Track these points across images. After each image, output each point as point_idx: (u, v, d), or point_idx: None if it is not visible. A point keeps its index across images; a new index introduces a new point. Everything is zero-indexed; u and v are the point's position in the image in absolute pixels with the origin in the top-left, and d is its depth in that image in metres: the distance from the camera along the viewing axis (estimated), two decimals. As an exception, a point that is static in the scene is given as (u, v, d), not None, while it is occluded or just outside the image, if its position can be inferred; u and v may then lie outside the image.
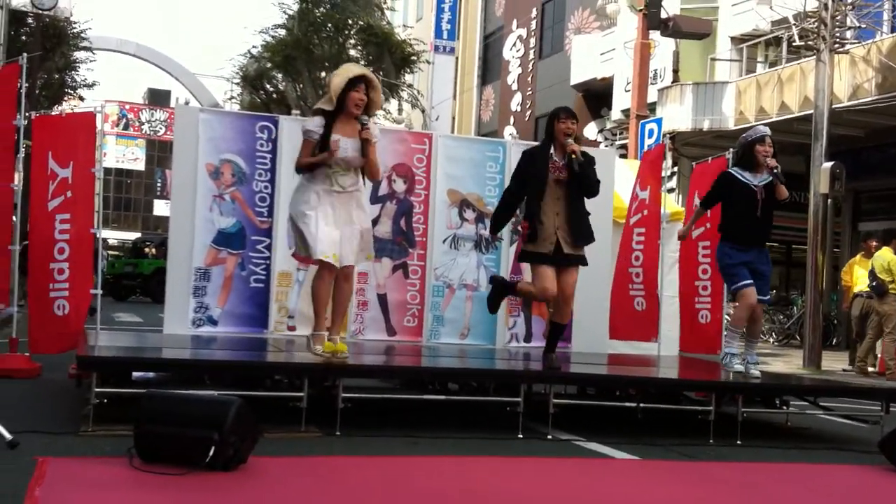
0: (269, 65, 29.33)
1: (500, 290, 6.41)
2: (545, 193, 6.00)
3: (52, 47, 24.93)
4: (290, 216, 5.91)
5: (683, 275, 8.20)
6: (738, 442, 5.89)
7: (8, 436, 4.34)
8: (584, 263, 6.19)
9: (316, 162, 5.69)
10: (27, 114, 7.58)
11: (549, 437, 5.66)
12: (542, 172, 6.01)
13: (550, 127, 6.10)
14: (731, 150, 7.75)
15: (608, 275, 8.31)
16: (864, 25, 14.45)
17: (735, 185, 6.64)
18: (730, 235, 6.69)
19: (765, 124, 16.55)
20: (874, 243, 12.84)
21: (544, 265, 5.97)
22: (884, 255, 11.61)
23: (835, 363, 12.88)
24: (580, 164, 5.95)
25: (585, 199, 6.15)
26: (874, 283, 11.63)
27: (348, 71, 5.84)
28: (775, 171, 6.58)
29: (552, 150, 6.07)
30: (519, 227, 6.21)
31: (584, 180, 6.03)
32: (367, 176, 5.95)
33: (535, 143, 6.50)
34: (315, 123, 5.75)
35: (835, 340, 16.52)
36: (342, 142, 5.68)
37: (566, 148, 5.98)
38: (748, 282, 6.55)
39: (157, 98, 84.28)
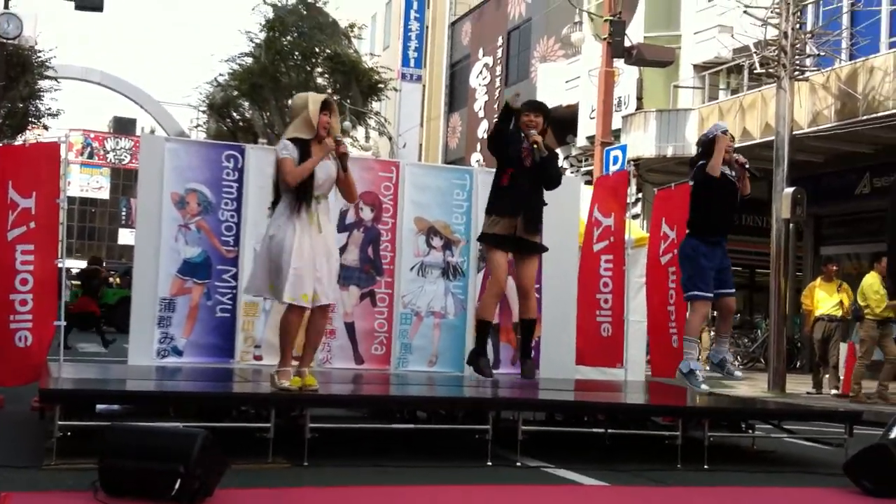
0: (235, 93, 29.31)
1: (479, 342, 6.47)
2: (516, 171, 6.22)
3: (16, 76, 24.72)
4: (264, 251, 5.54)
5: (653, 302, 8.24)
6: (706, 466, 5.93)
7: (-32, 471, 4.27)
8: (544, 249, 6.50)
9: (317, 162, 5.43)
10: (-11, 143, 7.50)
11: (519, 464, 5.65)
12: (517, 149, 6.22)
13: (517, 121, 6.27)
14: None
15: (573, 302, 8.35)
16: (823, 53, 14.74)
17: (714, 179, 6.60)
18: (703, 230, 6.65)
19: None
20: (834, 267, 13.03)
21: (499, 252, 6.20)
22: (869, 279, 11.74)
23: (799, 386, 13.00)
24: (541, 157, 6.16)
25: (545, 191, 6.42)
26: (855, 308, 11.81)
27: (317, 97, 5.69)
28: (746, 165, 6.68)
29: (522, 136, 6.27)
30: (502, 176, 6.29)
31: (543, 172, 6.27)
32: (345, 196, 5.83)
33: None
34: (290, 147, 5.49)
35: (798, 363, 16.70)
36: (322, 163, 5.49)
37: (529, 139, 6.18)
38: (708, 294, 6.57)
39: (123, 126, 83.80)
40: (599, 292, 8.17)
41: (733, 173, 6.70)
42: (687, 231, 6.82)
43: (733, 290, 6.80)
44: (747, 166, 6.68)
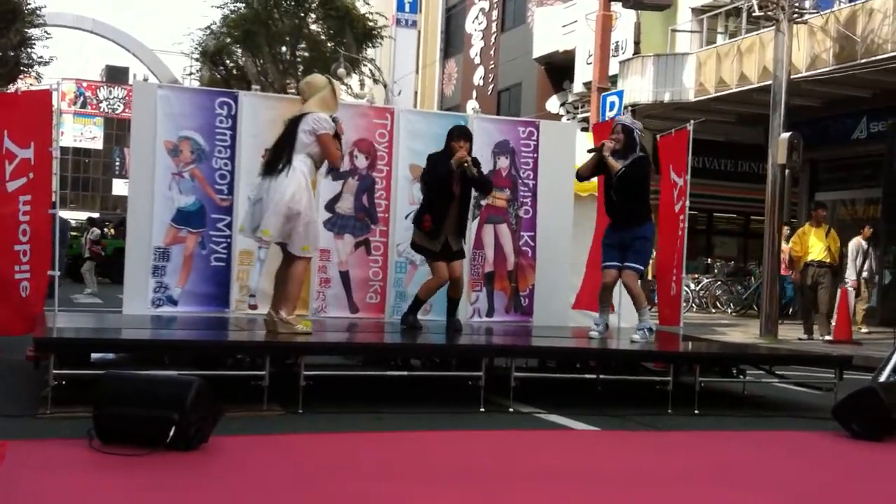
0: (228, 40, 28.97)
1: (412, 309, 7.07)
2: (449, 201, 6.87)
3: (6, 24, 24.39)
4: (299, 212, 5.84)
5: (665, 251, 8.20)
6: (696, 411, 6.00)
7: (-35, 420, 4.31)
8: (464, 256, 7.28)
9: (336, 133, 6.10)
10: (-20, 93, 7.41)
11: (511, 409, 5.72)
12: (448, 181, 6.84)
13: (449, 140, 6.91)
14: (692, 121, 7.84)
15: (568, 248, 8.37)
16: (822, -5, 14.60)
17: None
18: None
19: (724, 95, 16.85)
20: (822, 212, 13.03)
21: (438, 261, 6.93)
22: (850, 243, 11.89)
23: (791, 332, 13.10)
24: (475, 166, 6.87)
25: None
26: None
27: (335, 82, 6.36)
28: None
29: (451, 160, 6.81)
30: (423, 221, 6.91)
31: (479, 183, 7.01)
32: (331, 163, 6.34)
33: (438, 151, 7.04)
34: (330, 123, 6.04)
35: (791, 310, 16.82)
36: None
37: (456, 158, 6.76)
38: (607, 263, 7.15)
39: (116, 75, 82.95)
40: None
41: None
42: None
43: (637, 267, 7.17)
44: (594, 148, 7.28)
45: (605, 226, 7.58)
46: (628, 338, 7.05)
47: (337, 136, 6.07)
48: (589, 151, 7.26)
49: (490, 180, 7.35)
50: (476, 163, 6.96)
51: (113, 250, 22.73)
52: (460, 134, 6.93)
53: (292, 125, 6.00)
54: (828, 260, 12.41)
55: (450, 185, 6.85)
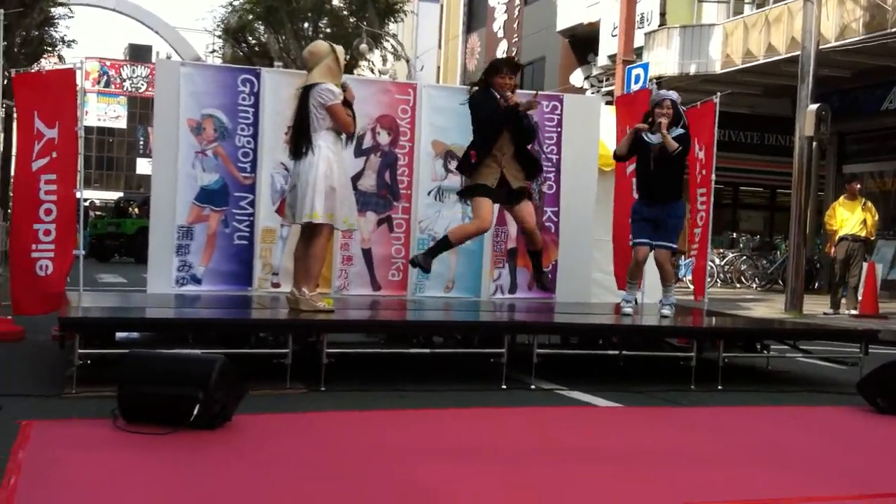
0: (250, 16, 28.93)
1: (433, 252, 6.48)
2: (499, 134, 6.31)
3: (30, 3, 24.47)
4: (334, 188, 5.89)
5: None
6: (719, 387, 5.97)
7: (-8, 399, 4.37)
8: (531, 197, 6.73)
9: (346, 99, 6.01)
10: (6, 72, 7.45)
11: (533, 386, 5.71)
12: (497, 112, 6.26)
13: (490, 78, 6.33)
14: (718, 93, 7.74)
15: (591, 224, 8.32)
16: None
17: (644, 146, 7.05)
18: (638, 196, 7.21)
19: (751, 67, 16.62)
20: (857, 185, 12.87)
21: (485, 197, 6.30)
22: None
23: (817, 307, 12.98)
24: (526, 110, 6.31)
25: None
26: None
27: (340, 48, 6.16)
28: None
29: (498, 96, 6.33)
30: (469, 156, 6.41)
31: (526, 126, 6.38)
32: (344, 130, 6.13)
33: (476, 89, 6.59)
34: (337, 92, 5.98)
35: (817, 284, 16.64)
36: None
37: (508, 101, 6.24)
38: (634, 241, 6.99)
39: (139, 53, 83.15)
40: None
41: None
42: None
43: (671, 246, 7.11)
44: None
45: (627, 202, 7.53)
46: (656, 313, 7.00)
47: (347, 103, 6.00)
48: (638, 130, 6.99)
49: (535, 130, 6.72)
50: (529, 106, 6.37)
51: (137, 229, 22.90)
52: (509, 67, 6.37)
53: (303, 100, 5.98)
54: (862, 234, 12.28)
55: (501, 120, 6.28)
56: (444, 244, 6.46)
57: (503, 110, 6.27)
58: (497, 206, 7.02)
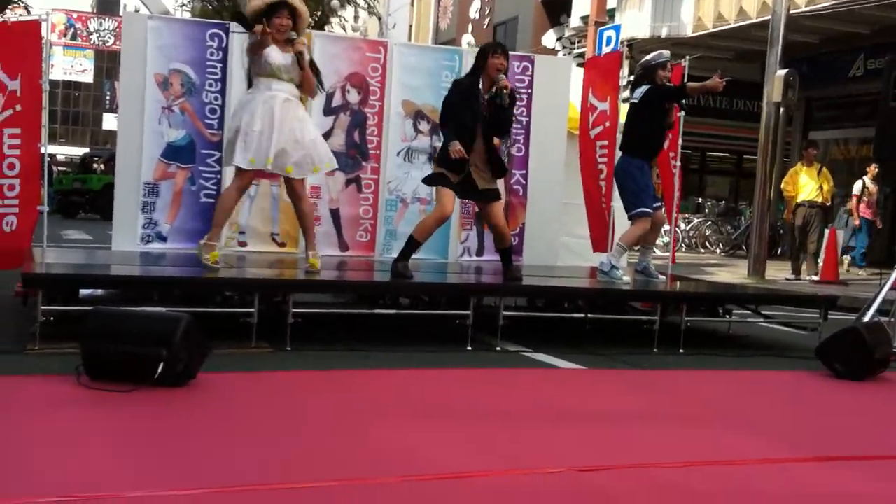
0: (220, -30, 28.39)
1: (405, 254, 6.31)
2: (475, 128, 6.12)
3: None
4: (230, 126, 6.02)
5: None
6: (681, 350, 6.07)
7: (-47, 356, 4.33)
8: (499, 197, 6.43)
9: (261, 41, 5.83)
10: (-31, 23, 7.28)
11: (498, 348, 5.77)
12: (476, 107, 6.11)
13: (482, 61, 6.15)
14: (688, 57, 7.76)
15: (559, 186, 8.35)
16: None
17: (661, 104, 6.98)
18: (646, 150, 7.00)
19: (722, 31, 16.63)
20: (814, 151, 12.99)
21: (447, 188, 6.15)
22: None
23: (779, 272, 13.16)
24: (510, 99, 6.10)
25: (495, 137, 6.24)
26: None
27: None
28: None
29: (480, 86, 6.16)
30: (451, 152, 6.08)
31: (504, 118, 6.19)
32: (304, 91, 6.07)
33: (464, 75, 6.52)
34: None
35: (780, 250, 16.85)
36: (279, 56, 5.86)
37: (499, 83, 6.05)
38: (650, 210, 6.88)
39: (106, 6, 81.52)
40: (599, 180, 8.10)
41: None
42: (625, 151, 7.05)
43: (662, 204, 7.26)
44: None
45: (592, 165, 7.59)
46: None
47: (300, 53, 5.92)
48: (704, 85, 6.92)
49: (510, 124, 6.60)
50: (512, 96, 6.19)
51: (103, 186, 22.57)
52: (502, 49, 6.20)
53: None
54: (819, 199, 12.42)
55: (479, 107, 6.10)
56: (413, 244, 6.31)
57: (486, 103, 6.10)
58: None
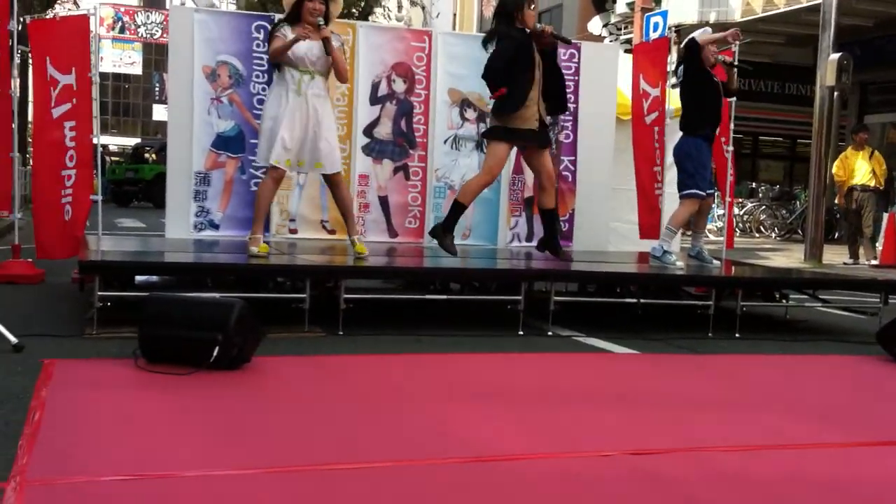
0: (265, -38, 28.54)
1: (447, 226, 6.47)
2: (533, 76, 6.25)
3: (42, -52, 24.27)
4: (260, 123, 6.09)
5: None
6: (737, 335, 5.97)
7: (13, 339, 4.41)
8: (550, 143, 6.73)
9: (290, 43, 5.85)
10: (20, 18, 7.41)
11: (550, 333, 5.73)
12: (528, 49, 6.23)
13: (517, 13, 6.25)
14: (738, 42, 7.62)
15: (609, 172, 8.27)
16: None
17: (709, 77, 6.88)
18: (703, 127, 6.86)
19: (773, 15, 16.34)
20: (864, 136, 12.72)
21: (504, 143, 6.33)
22: None
23: (836, 257, 12.92)
24: (561, 38, 6.38)
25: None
26: None
27: None
28: (735, 63, 7.02)
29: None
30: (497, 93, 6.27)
31: (554, 57, 6.39)
32: (337, 77, 6.14)
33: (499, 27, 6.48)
34: (284, 29, 5.97)
35: (837, 234, 16.54)
36: (305, 43, 5.87)
37: (544, 31, 6.26)
38: (703, 194, 6.79)
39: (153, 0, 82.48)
40: (656, 165, 8.04)
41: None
42: (683, 131, 6.93)
43: (716, 191, 7.25)
44: (735, 63, 7.04)
45: (649, 150, 7.49)
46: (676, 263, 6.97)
47: (326, 39, 5.94)
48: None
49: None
50: (564, 38, 6.45)
51: (154, 175, 22.92)
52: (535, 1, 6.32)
53: None
54: (872, 183, 12.18)
55: (530, 53, 6.24)
56: (458, 209, 6.44)
57: (535, 40, 6.24)
58: (514, 153, 7.04)
